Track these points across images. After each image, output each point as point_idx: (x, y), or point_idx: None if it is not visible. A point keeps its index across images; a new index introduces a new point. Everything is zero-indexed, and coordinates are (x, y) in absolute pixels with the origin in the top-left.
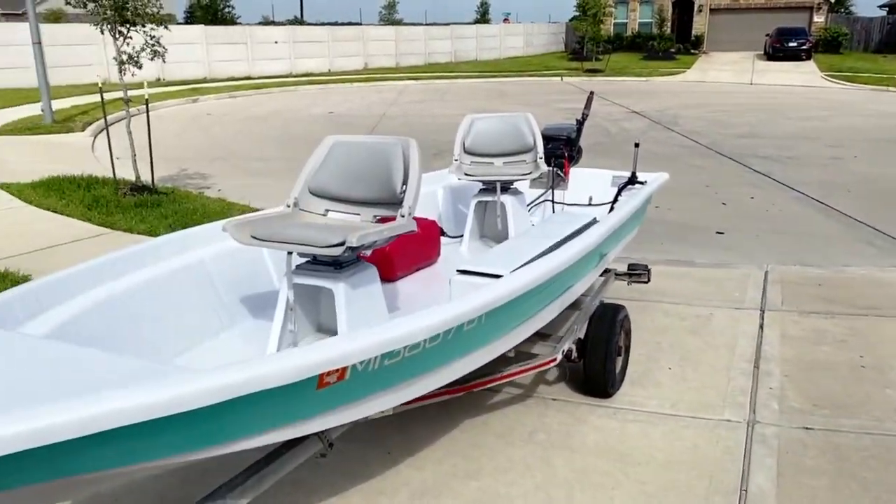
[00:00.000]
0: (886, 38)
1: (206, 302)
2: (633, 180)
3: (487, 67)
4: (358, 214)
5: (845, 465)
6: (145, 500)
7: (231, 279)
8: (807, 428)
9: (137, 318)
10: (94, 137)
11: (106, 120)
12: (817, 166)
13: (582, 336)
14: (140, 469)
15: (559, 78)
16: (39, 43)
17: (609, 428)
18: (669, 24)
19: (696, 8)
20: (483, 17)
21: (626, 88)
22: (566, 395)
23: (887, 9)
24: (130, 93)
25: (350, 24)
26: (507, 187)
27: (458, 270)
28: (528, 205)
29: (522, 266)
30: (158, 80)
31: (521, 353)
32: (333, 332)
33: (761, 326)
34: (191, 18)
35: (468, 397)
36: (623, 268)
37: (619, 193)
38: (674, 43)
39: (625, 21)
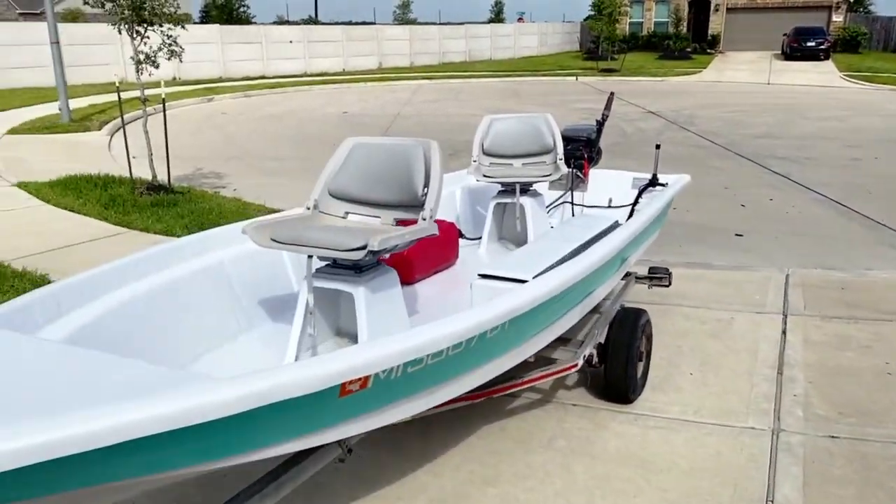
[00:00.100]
0: None
1: (224, 305)
2: (653, 182)
3: (502, 67)
4: (378, 217)
5: (872, 475)
6: None
7: (250, 282)
8: (833, 436)
9: (156, 321)
10: (111, 136)
11: (123, 119)
12: (837, 167)
13: (602, 341)
14: (159, 479)
15: (574, 77)
16: (57, 42)
17: (630, 434)
18: (685, 23)
19: (712, 7)
20: (497, 17)
21: (641, 88)
22: (586, 401)
23: None
24: (147, 92)
25: (364, 23)
26: (526, 189)
27: (479, 275)
28: (546, 206)
29: (545, 270)
30: (174, 79)
31: (541, 358)
32: (352, 336)
33: (784, 331)
34: (206, 18)
35: (485, 402)
36: (644, 271)
37: (639, 195)
38: (690, 42)
39: (640, 20)
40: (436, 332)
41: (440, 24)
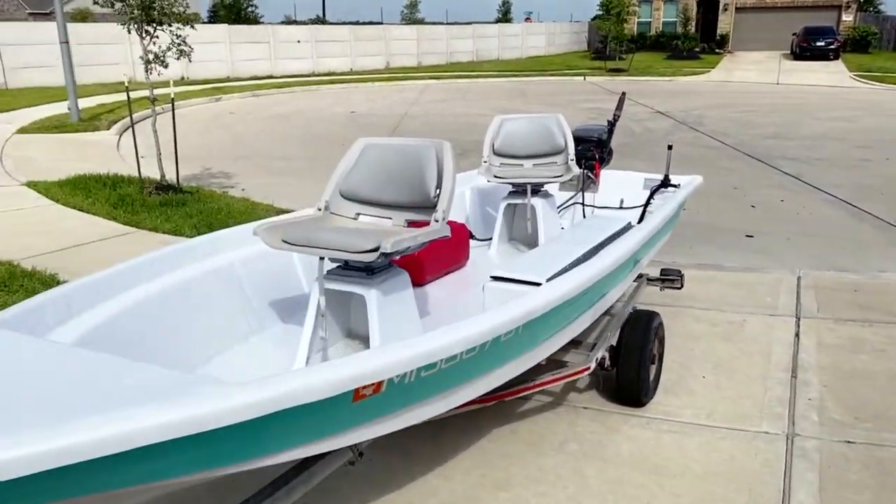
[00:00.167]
0: None
1: (235, 306)
2: (665, 183)
3: (509, 67)
4: (389, 218)
5: (889, 480)
6: None
7: (260, 283)
8: (848, 441)
9: (168, 322)
10: (120, 136)
11: (132, 119)
12: (848, 168)
13: (614, 343)
14: (168, 485)
15: (582, 77)
16: (67, 42)
17: (643, 438)
18: (694, 23)
19: (721, 7)
20: (505, 17)
21: (649, 88)
22: (597, 404)
23: None
24: (156, 91)
25: (371, 23)
26: (537, 190)
27: (491, 277)
28: (557, 207)
29: (558, 273)
30: (182, 78)
31: (552, 361)
32: (363, 338)
33: (797, 334)
34: (214, 18)
35: (496, 405)
36: (655, 272)
37: (651, 196)
38: (698, 42)
39: (648, 20)
40: (451, 336)
41: (447, 23)
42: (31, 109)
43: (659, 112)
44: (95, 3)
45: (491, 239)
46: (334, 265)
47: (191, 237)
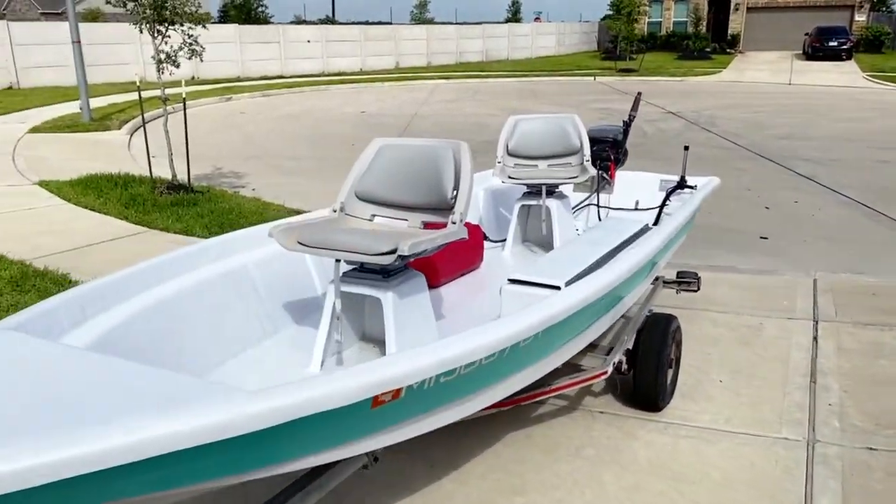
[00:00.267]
0: None
1: (249, 308)
2: (682, 184)
3: (519, 67)
4: (405, 220)
5: None
6: None
7: (274, 285)
8: (871, 448)
9: (182, 325)
10: (131, 135)
11: (143, 118)
12: (862, 169)
13: (631, 347)
14: (181, 493)
15: (592, 77)
16: (78, 42)
17: (660, 443)
18: (705, 22)
19: (732, 6)
20: (514, 17)
21: (660, 88)
22: (613, 409)
23: None
24: (167, 91)
25: (381, 23)
26: (552, 191)
27: (509, 280)
28: (572, 209)
29: (577, 276)
30: (193, 78)
31: (568, 365)
32: (378, 341)
33: (815, 338)
34: (224, 18)
35: (510, 409)
36: (671, 275)
37: (667, 198)
38: (709, 42)
39: (659, 20)
40: (473, 342)
41: (457, 23)
42: (43, 109)
43: (670, 112)
44: (108, 2)
45: (505, 240)
46: (349, 267)
47: (202, 237)
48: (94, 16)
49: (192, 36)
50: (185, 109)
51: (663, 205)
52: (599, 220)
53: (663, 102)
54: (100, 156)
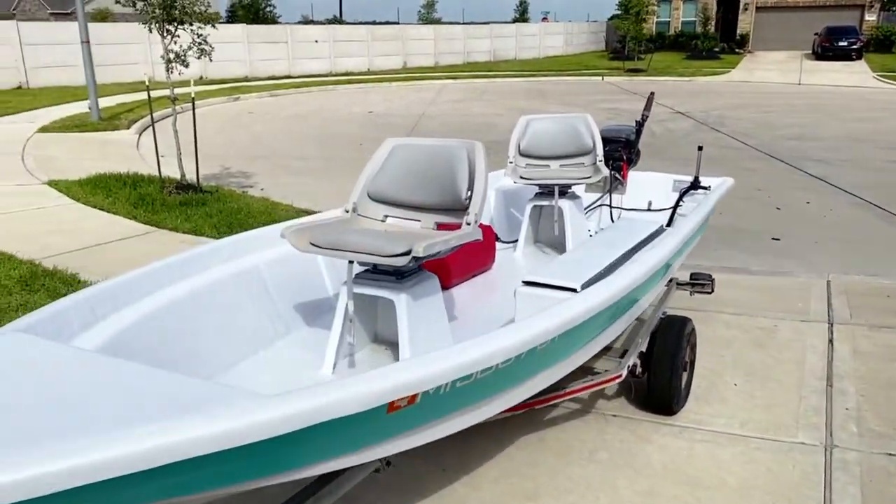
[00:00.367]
0: None
1: (261, 310)
2: (695, 185)
3: (527, 67)
4: (418, 221)
5: None
6: None
7: (285, 286)
8: (890, 454)
9: (193, 327)
10: (139, 135)
11: (153, 118)
12: (874, 170)
13: (644, 349)
14: (196, 499)
15: (600, 77)
16: (87, 42)
17: (675, 447)
18: (713, 22)
19: (741, 6)
20: (522, 17)
21: (669, 88)
22: (627, 412)
23: None
24: (175, 91)
25: (388, 23)
26: (564, 191)
27: (524, 282)
28: (584, 209)
29: (593, 278)
30: (201, 78)
31: (582, 368)
32: (390, 343)
33: (830, 340)
34: (232, 18)
35: (523, 413)
36: (685, 276)
37: (680, 199)
38: (718, 42)
39: (667, 20)
40: (490, 346)
41: (465, 23)
42: (52, 108)
43: (679, 112)
44: (117, 2)
45: (516, 241)
46: (362, 269)
47: (211, 237)
48: (103, 16)
49: (201, 35)
50: (193, 109)
51: (677, 205)
52: (612, 220)
53: (672, 102)
54: (109, 155)
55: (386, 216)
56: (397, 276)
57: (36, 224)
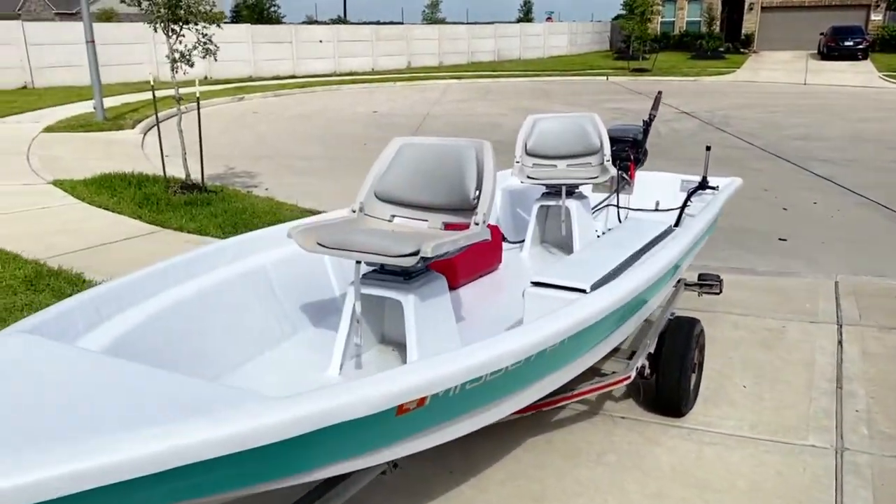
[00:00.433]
0: None
1: (267, 310)
2: (703, 185)
3: (531, 66)
4: (425, 220)
5: None
6: None
7: (291, 286)
8: None
9: (199, 327)
10: (144, 135)
11: (157, 118)
12: (881, 170)
13: (653, 350)
14: (202, 503)
15: (605, 77)
16: (92, 42)
17: (683, 450)
18: (719, 22)
19: (746, 6)
20: (526, 16)
21: (674, 88)
22: (635, 414)
23: None
24: (180, 91)
25: (392, 23)
26: (571, 191)
27: (532, 282)
28: (591, 209)
29: (602, 279)
30: (206, 78)
31: (590, 370)
32: (397, 344)
33: (839, 342)
34: (237, 18)
35: (530, 414)
36: (693, 277)
37: (688, 199)
38: (723, 42)
39: (672, 19)
40: (500, 348)
41: (469, 23)
42: (57, 108)
43: (684, 112)
44: (122, 2)
45: (523, 241)
46: (369, 269)
47: (216, 237)
48: (108, 16)
49: (206, 35)
50: (198, 109)
51: (685, 206)
52: (619, 220)
53: (677, 102)
54: (113, 155)
55: (393, 216)
56: (405, 276)
57: (41, 224)
